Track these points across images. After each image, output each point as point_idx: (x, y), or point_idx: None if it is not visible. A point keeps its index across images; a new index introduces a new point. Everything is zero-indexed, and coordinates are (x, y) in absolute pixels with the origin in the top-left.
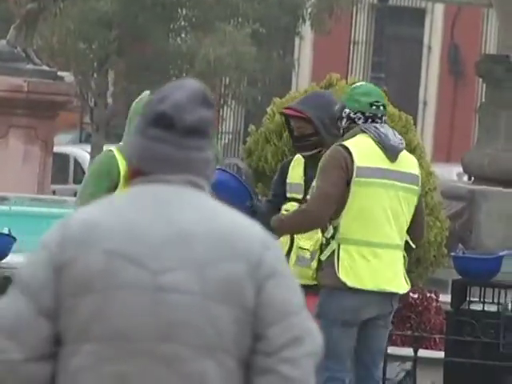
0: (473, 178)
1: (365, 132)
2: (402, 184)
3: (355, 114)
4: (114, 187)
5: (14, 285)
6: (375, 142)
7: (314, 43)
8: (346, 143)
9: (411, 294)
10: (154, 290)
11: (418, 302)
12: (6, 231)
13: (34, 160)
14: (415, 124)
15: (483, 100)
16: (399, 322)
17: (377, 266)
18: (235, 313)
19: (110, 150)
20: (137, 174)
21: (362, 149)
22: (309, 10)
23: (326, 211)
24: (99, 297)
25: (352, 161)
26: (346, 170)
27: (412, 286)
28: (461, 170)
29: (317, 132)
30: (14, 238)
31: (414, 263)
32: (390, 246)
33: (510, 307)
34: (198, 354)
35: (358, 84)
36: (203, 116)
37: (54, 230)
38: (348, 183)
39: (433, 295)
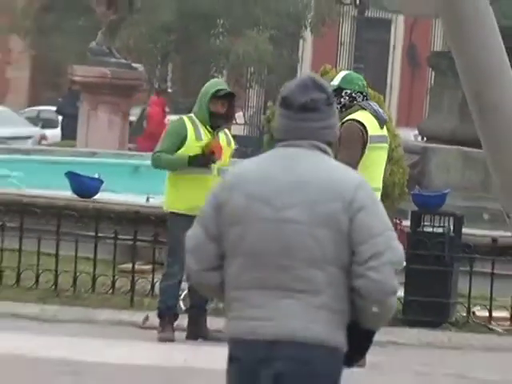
0: (425, 139)
1: (364, 109)
2: (386, 144)
3: (356, 93)
4: (180, 142)
5: (196, 218)
6: (372, 115)
7: (312, 44)
8: (357, 118)
9: None
10: (277, 221)
11: None
12: (96, 176)
13: (115, 126)
14: (384, 101)
15: (432, 84)
16: None
17: None
18: (333, 236)
19: (181, 118)
20: (277, 140)
21: (369, 121)
22: (309, 21)
23: None
24: (242, 227)
25: (366, 132)
26: (363, 140)
27: None
28: (416, 132)
29: None
30: (102, 181)
31: (384, 198)
32: (379, 189)
33: (451, 229)
34: (307, 264)
35: (347, 72)
36: (314, 97)
37: (220, 180)
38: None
39: (397, 221)
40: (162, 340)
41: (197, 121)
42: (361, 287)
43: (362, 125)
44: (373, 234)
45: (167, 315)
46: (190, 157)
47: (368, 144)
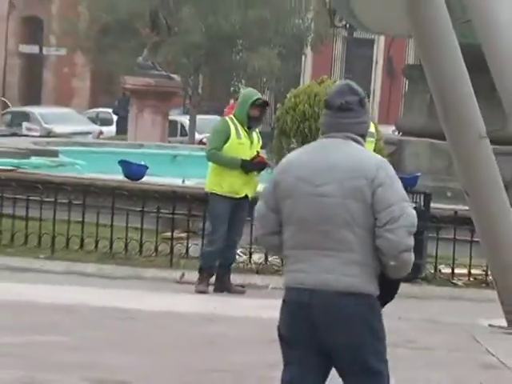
0: (400, 133)
1: None
2: (373, 139)
3: None
4: (226, 139)
5: (260, 194)
6: None
7: (312, 59)
8: None
9: None
10: (316, 195)
11: None
12: (142, 163)
13: (157, 124)
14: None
15: (406, 90)
16: None
17: None
18: (361, 206)
19: (225, 119)
20: (322, 133)
21: None
22: (309, 40)
23: None
24: (292, 200)
25: None
26: None
27: None
28: (394, 128)
29: None
30: (147, 167)
31: None
32: None
33: (422, 205)
34: (341, 228)
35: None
36: (348, 99)
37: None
38: None
39: None
40: (198, 292)
41: (237, 122)
42: (380, 245)
43: None
44: (389, 203)
45: (206, 272)
46: (242, 161)
47: None
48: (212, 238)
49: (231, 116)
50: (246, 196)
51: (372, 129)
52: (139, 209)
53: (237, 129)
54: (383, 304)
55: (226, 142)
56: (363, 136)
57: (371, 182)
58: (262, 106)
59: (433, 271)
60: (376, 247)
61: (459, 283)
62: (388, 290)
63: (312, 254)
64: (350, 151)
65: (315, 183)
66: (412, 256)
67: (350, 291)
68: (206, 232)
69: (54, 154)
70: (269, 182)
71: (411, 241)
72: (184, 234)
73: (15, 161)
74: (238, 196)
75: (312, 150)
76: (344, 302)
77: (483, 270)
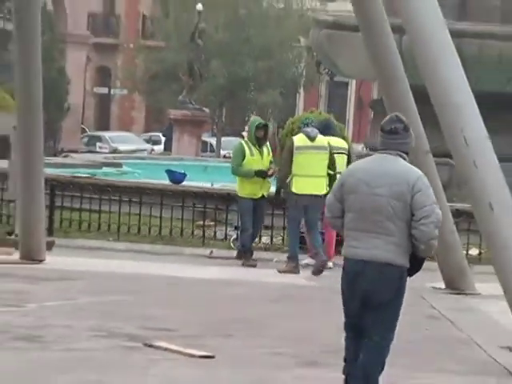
0: (367, 149)
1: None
2: (314, 151)
3: (302, 124)
4: (243, 157)
5: (332, 189)
6: (304, 134)
7: (304, 96)
8: (292, 138)
9: None
10: (371, 194)
11: None
12: (182, 172)
13: (193, 143)
14: (345, 128)
15: (372, 118)
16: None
17: None
18: (402, 204)
19: (241, 142)
20: (378, 150)
21: (297, 138)
22: (302, 83)
23: None
24: (354, 196)
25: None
26: (291, 149)
27: None
28: (363, 145)
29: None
30: (186, 174)
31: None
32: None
33: None
34: (386, 219)
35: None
36: (396, 126)
37: (346, 169)
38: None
39: None
40: (247, 266)
41: (249, 143)
42: (415, 234)
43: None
44: (423, 205)
45: (246, 252)
46: (255, 172)
47: (294, 151)
48: (243, 227)
49: (245, 139)
50: (263, 196)
51: (345, 145)
52: (180, 204)
53: (250, 148)
54: (411, 275)
55: (243, 160)
56: (407, 153)
57: (411, 189)
58: (264, 127)
59: None
60: (411, 234)
61: None
62: (415, 265)
63: (364, 236)
64: (398, 164)
65: (371, 185)
66: (436, 243)
67: (388, 262)
68: (238, 225)
69: (119, 165)
70: (338, 180)
71: (437, 232)
72: (212, 223)
73: (91, 170)
74: (256, 197)
75: (371, 161)
76: (384, 270)
77: None
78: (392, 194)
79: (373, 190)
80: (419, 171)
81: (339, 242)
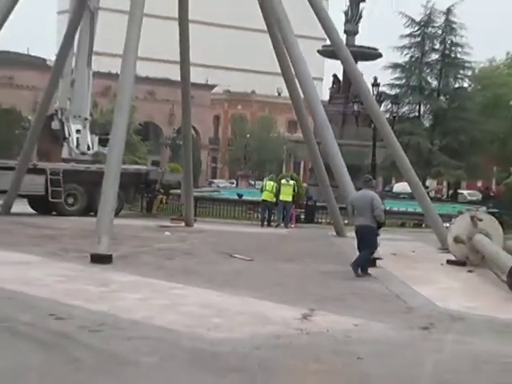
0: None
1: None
2: (288, 186)
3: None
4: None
5: (348, 199)
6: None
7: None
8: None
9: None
10: (361, 204)
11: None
12: (242, 193)
13: (243, 182)
14: (298, 176)
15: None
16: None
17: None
18: (368, 205)
19: (269, 179)
20: (360, 189)
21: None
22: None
23: None
24: (355, 204)
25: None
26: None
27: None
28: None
29: None
30: (242, 194)
31: (297, 199)
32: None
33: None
34: (365, 210)
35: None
36: (367, 178)
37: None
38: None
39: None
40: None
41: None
42: (376, 215)
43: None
44: (376, 207)
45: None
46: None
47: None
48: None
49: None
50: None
51: (291, 182)
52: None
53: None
54: (378, 230)
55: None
56: (372, 187)
57: (371, 200)
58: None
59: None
60: (374, 215)
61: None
62: (378, 226)
63: (360, 217)
64: (368, 192)
65: (359, 201)
66: (383, 217)
67: (367, 225)
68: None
69: (217, 190)
70: (351, 197)
71: (383, 214)
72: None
73: (215, 193)
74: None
75: (360, 192)
76: (366, 227)
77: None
78: (365, 202)
79: (360, 203)
80: (375, 193)
81: (297, 219)
